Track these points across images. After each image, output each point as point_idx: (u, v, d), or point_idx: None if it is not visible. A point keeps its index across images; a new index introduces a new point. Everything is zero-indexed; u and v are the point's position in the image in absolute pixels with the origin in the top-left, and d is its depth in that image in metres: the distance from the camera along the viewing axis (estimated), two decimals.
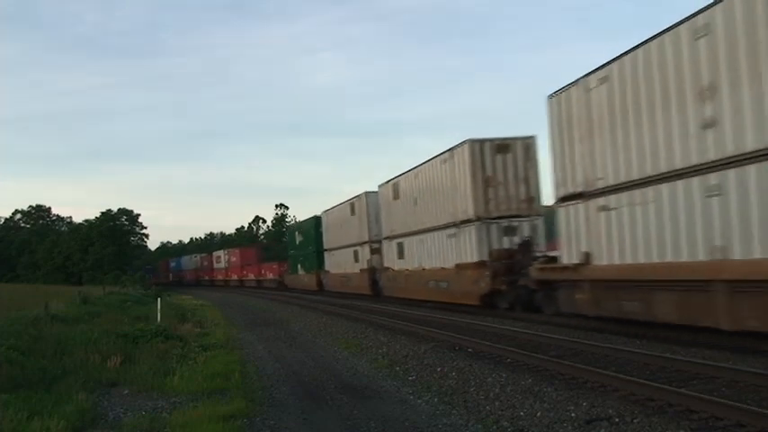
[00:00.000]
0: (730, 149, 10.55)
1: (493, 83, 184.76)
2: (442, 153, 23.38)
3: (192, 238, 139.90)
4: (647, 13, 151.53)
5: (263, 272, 63.42)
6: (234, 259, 72.51)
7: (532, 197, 21.36)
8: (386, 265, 29.90)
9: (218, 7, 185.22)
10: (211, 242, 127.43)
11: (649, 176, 12.44)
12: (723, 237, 10.73)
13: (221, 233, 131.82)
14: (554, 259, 16.50)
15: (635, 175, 12.87)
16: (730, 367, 9.45)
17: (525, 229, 20.96)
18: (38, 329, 15.47)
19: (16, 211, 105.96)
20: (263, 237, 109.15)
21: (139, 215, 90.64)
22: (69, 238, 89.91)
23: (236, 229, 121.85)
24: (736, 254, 10.47)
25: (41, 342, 13.50)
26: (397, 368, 11.90)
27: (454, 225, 22.39)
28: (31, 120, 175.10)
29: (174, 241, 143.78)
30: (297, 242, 50.27)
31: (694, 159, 11.32)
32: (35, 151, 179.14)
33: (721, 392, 8.22)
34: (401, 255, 27.48)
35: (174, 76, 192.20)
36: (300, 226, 52.22)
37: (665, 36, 11.96)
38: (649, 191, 12.46)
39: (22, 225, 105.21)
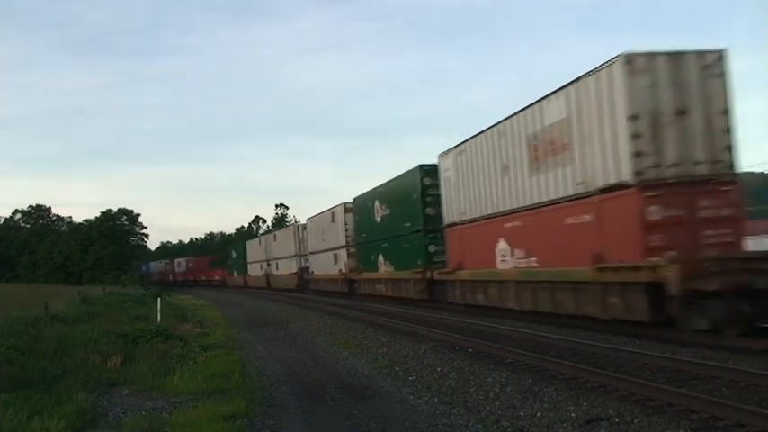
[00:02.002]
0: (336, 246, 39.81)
1: (493, 82, 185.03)
2: (286, 226, 58.11)
3: (192, 239, 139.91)
4: (648, 13, 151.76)
5: (212, 275, 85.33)
6: (191, 265, 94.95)
7: None
8: (272, 272, 56.87)
9: (218, 7, 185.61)
10: (211, 242, 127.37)
11: (317, 250, 43.35)
12: (326, 267, 41.11)
13: (221, 233, 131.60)
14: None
15: (314, 249, 44.36)
16: (730, 367, 9.46)
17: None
18: (38, 329, 15.47)
19: (16, 211, 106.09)
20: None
21: (139, 215, 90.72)
22: (69, 238, 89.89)
23: (237, 229, 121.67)
24: (328, 272, 40.87)
25: (41, 342, 13.50)
26: (397, 368, 11.91)
27: (292, 256, 50.13)
28: (31, 120, 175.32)
29: (174, 241, 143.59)
30: (233, 256, 75.17)
31: (325, 247, 40.84)
32: (35, 151, 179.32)
33: (721, 392, 8.23)
34: (277, 267, 55.12)
35: (174, 76, 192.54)
36: (236, 247, 77.47)
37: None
38: (319, 255, 42.54)
39: (22, 225, 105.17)
